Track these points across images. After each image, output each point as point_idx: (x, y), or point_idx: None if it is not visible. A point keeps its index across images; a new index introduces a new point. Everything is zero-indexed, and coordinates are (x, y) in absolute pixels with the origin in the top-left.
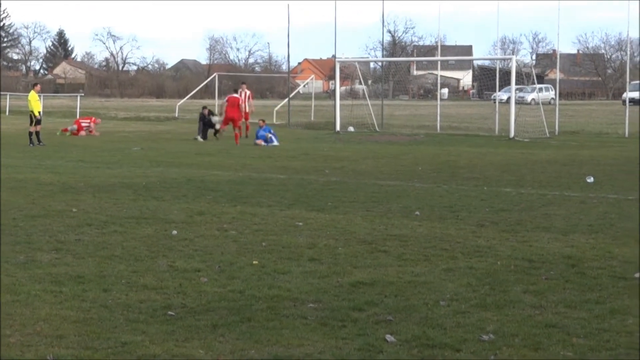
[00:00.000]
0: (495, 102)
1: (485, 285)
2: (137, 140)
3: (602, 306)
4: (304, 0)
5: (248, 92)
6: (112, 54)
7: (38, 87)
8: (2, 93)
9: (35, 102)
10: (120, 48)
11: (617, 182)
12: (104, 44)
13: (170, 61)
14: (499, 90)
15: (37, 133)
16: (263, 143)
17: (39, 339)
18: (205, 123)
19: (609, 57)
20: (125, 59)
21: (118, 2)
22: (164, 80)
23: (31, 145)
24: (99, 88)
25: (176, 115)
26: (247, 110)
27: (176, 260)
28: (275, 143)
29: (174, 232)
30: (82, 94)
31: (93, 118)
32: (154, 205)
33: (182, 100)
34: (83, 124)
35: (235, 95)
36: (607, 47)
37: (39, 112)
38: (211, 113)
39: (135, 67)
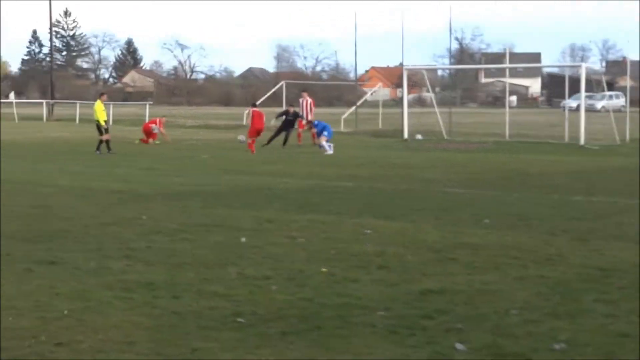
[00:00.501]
0: (564, 110)
1: (557, 294)
2: (205, 148)
3: None
4: (371, 5)
5: (309, 100)
6: (180, 63)
7: (104, 97)
8: (72, 101)
9: (101, 111)
10: (188, 57)
11: None
12: (172, 52)
13: (238, 69)
14: (569, 98)
15: (107, 142)
16: (326, 134)
17: (111, 345)
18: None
19: None
20: (193, 67)
21: (186, 12)
22: (232, 88)
23: (98, 152)
24: (167, 96)
25: (244, 122)
26: (309, 119)
27: (246, 268)
28: (330, 152)
29: (243, 239)
30: (151, 102)
31: (157, 119)
32: (223, 213)
33: (250, 109)
34: (154, 130)
35: (254, 109)
36: None
37: (105, 121)
38: (296, 114)
39: (203, 76)
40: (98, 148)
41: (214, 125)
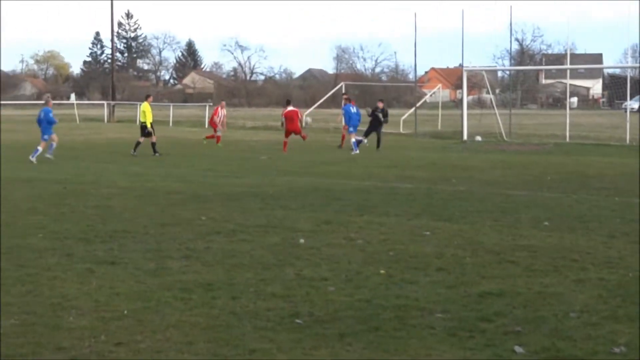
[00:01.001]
0: (625, 111)
1: (617, 297)
2: (264, 150)
3: None
4: (431, 5)
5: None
6: (239, 64)
7: (150, 99)
8: (132, 102)
9: (149, 113)
10: (248, 58)
11: None
12: (232, 54)
13: (298, 71)
14: (630, 99)
15: (153, 144)
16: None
17: (169, 344)
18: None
19: None
20: (253, 68)
21: (246, 12)
22: (291, 90)
23: (134, 153)
24: (227, 97)
25: (303, 124)
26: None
27: (303, 269)
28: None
29: (301, 240)
30: (211, 104)
31: (217, 107)
32: (281, 214)
33: (310, 110)
34: (215, 120)
35: (290, 108)
36: None
37: (151, 124)
38: (383, 113)
39: (262, 77)
40: (135, 149)
41: (273, 126)
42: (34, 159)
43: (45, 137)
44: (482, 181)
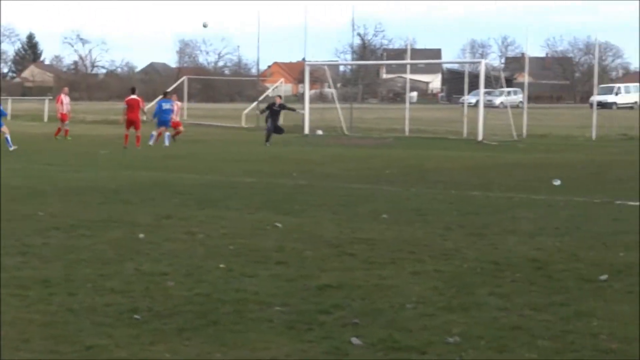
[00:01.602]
0: (463, 106)
1: (452, 288)
2: (105, 144)
3: (567, 308)
4: (274, 1)
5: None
6: (80, 57)
7: None
8: None
9: None
10: (89, 51)
11: (584, 185)
12: (73, 47)
13: (140, 64)
14: (468, 94)
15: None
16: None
17: (4, 342)
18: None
19: (577, 60)
20: (94, 62)
21: (87, 5)
22: (133, 84)
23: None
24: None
25: (144, 118)
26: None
27: (143, 264)
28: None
29: (142, 235)
30: (50, 97)
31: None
32: (121, 208)
33: (151, 104)
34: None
35: (133, 96)
36: (575, 50)
37: None
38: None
39: (104, 70)
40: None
41: (115, 120)
42: None
43: None
44: (323, 175)
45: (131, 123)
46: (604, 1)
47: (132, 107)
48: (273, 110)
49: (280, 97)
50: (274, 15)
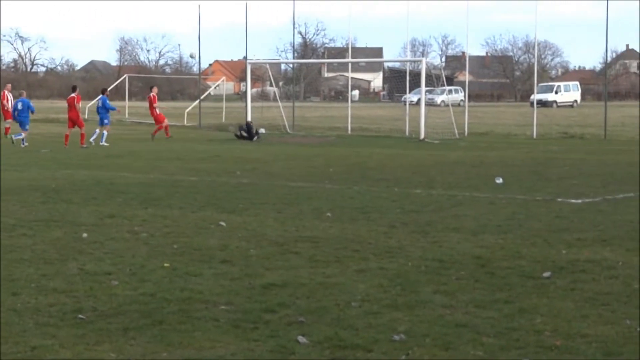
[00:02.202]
0: (405, 104)
1: (397, 285)
2: (46, 143)
3: (511, 305)
4: (215, 0)
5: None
6: (20, 55)
7: None
8: None
9: None
10: (29, 49)
11: (525, 183)
12: (12, 44)
13: (80, 62)
14: (409, 92)
15: None
16: None
17: None
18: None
19: (517, 59)
20: (34, 60)
21: (26, 3)
22: (74, 82)
23: None
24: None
25: (86, 116)
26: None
27: (86, 264)
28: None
29: (84, 235)
30: None
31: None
32: (63, 208)
33: (92, 102)
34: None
35: (72, 94)
36: (515, 49)
37: None
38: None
39: (44, 69)
40: None
41: (55, 118)
42: None
43: None
44: (266, 173)
45: (72, 122)
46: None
47: (71, 105)
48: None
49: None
50: (215, 13)
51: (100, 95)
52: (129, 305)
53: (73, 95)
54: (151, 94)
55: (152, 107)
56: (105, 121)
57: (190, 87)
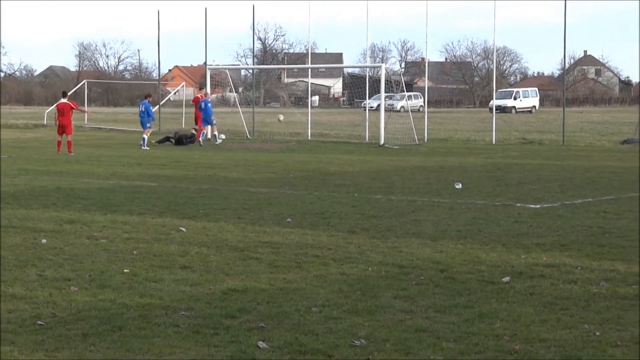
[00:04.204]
0: (365, 110)
1: (357, 291)
2: (4, 148)
3: (471, 310)
4: (174, 4)
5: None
6: None
7: None
8: None
9: None
10: None
11: (484, 188)
12: None
13: (39, 68)
14: (369, 98)
15: None
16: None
17: None
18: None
19: (475, 65)
20: None
21: None
22: (32, 87)
23: None
24: None
25: (45, 122)
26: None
27: (45, 270)
28: None
29: (43, 240)
30: None
31: None
32: (22, 213)
33: (51, 108)
34: None
35: (63, 100)
36: (473, 55)
37: None
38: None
39: (2, 74)
40: None
41: (14, 124)
42: None
43: None
44: (226, 179)
45: (63, 128)
46: (502, 3)
47: (62, 111)
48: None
49: (149, 95)
50: (174, 18)
51: (143, 100)
52: (89, 312)
53: (64, 101)
54: (198, 95)
55: (197, 108)
56: (148, 125)
57: (150, 93)
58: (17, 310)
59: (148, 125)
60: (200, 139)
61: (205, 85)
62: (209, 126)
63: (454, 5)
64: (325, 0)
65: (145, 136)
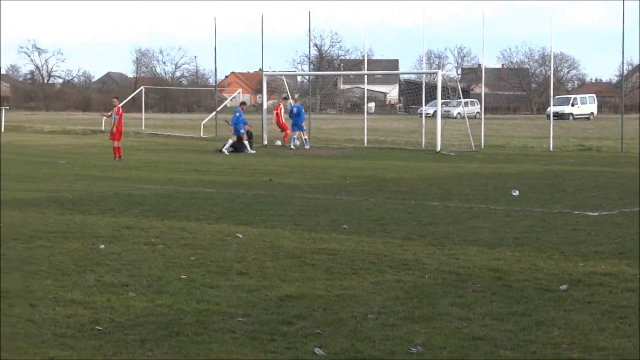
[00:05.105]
0: (421, 116)
1: (413, 298)
2: (63, 154)
3: (528, 318)
4: (230, 9)
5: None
6: (37, 67)
7: None
8: None
9: None
10: (46, 61)
11: (542, 195)
12: (29, 56)
13: (97, 74)
14: (426, 104)
15: None
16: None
17: None
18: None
19: (533, 71)
20: (51, 71)
21: (44, 14)
22: (90, 94)
23: None
24: (24, 101)
25: (102, 128)
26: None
27: (104, 275)
28: None
29: (102, 246)
30: (7, 107)
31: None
32: (80, 219)
33: (109, 113)
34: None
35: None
36: (531, 61)
37: None
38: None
39: (61, 80)
40: None
41: (72, 130)
42: None
43: None
44: (283, 185)
45: (120, 134)
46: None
47: (122, 116)
48: None
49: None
50: (231, 25)
51: (238, 108)
52: (146, 317)
53: (119, 105)
54: (279, 103)
55: (279, 116)
56: (242, 131)
57: (207, 99)
58: (75, 315)
59: (242, 131)
60: (292, 144)
61: (287, 93)
62: (298, 131)
63: (510, 11)
64: (381, 5)
65: (246, 142)
